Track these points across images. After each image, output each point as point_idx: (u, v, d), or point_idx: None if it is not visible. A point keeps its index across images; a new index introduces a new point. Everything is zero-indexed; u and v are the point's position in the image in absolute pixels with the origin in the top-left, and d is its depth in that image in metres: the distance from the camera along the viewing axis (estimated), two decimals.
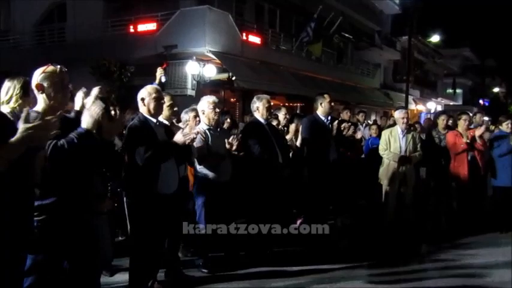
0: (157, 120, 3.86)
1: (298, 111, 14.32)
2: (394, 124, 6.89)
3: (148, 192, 3.67)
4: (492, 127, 9.31)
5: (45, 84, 2.60)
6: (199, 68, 13.61)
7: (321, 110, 5.64)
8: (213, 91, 12.39)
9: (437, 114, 9.01)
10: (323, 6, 17.84)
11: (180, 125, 4.78)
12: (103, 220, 3.82)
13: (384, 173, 6.33)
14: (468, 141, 6.43)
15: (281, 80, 16.13)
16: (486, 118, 9.98)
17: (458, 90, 39.98)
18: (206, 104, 4.65)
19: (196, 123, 4.78)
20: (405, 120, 6.33)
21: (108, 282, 4.11)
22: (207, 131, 4.60)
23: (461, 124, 6.70)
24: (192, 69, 13.54)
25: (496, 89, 49.63)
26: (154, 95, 3.78)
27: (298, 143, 5.78)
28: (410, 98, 23.43)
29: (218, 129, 4.79)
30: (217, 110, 4.74)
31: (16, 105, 2.78)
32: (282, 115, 6.30)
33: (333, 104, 5.76)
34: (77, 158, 2.58)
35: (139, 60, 13.00)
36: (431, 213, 7.02)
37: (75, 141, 2.52)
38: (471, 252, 5.41)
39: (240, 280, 4.40)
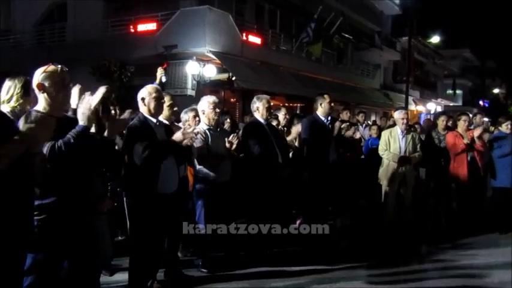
0: (158, 120, 3.86)
1: (298, 112, 14.33)
2: (394, 125, 6.89)
3: (149, 192, 3.67)
4: (492, 128, 9.32)
5: (46, 84, 2.61)
6: (200, 68, 13.62)
7: (321, 110, 5.64)
8: (213, 91, 12.38)
9: (437, 115, 9.04)
10: (323, 7, 17.86)
11: (180, 125, 4.78)
12: (103, 220, 3.83)
13: (384, 174, 6.33)
14: (468, 142, 6.43)
15: (281, 80, 16.14)
16: (486, 119, 9.97)
17: (458, 91, 40.00)
18: (206, 104, 4.65)
19: (195, 123, 4.78)
20: (405, 120, 6.33)
21: (107, 281, 4.11)
22: (207, 131, 4.60)
23: (461, 125, 6.71)
24: (192, 69, 13.55)
25: (496, 90, 49.66)
26: (154, 94, 3.78)
27: (298, 144, 5.79)
28: (410, 99, 23.45)
29: (218, 129, 4.79)
30: (218, 110, 4.75)
31: (17, 104, 2.79)
32: (281, 115, 6.30)
33: (332, 104, 5.76)
34: (75, 157, 2.59)
35: (140, 60, 13.01)
36: (431, 214, 7.02)
37: (71, 142, 2.52)
38: (471, 252, 5.42)
39: (240, 280, 4.40)
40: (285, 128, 6.31)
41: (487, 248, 5.61)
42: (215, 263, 4.67)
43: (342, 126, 5.99)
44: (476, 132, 6.39)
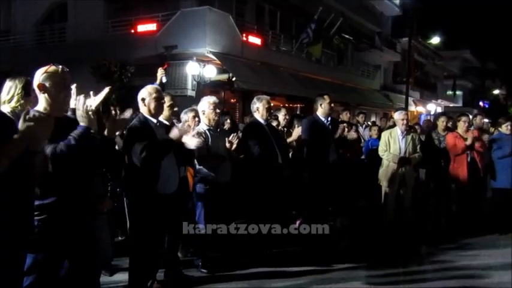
0: (158, 121, 3.87)
1: (298, 112, 14.33)
2: (394, 125, 6.90)
3: (149, 192, 3.67)
4: (492, 129, 9.32)
5: (47, 84, 2.61)
6: (200, 68, 13.63)
7: (321, 111, 5.64)
8: (213, 92, 12.39)
9: (437, 116, 9.04)
10: (323, 8, 17.89)
11: (180, 125, 4.78)
12: (103, 220, 3.84)
13: (384, 174, 6.34)
14: (469, 143, 6.43)
15: (281, 81, 16.15)
16: (486, 120, 9.98)
17: (458, 92, 40.01)
18: (206, 105, 4.66)
19: (195, 124, 4.79)
20: (405, 121, 6.34)
21: (107, 281, 4.11)
22: (207, 132, 4.61)
23: (461, 126, 6.72)
24: (192, 69, 13.55)
25: (496, 91, 49.65)
26: (154, 95, 3.79)
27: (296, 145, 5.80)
28: (410, 100, 23.45)
29: (218, 130, 4.79)
30: (218, 110, 4.75)
31: (17, 105, 2.79)
32: (281, 116, 6.31)
33: (332, 105, 5.76)
34: (77, 159, 2.59)
35: (140, 61, 13.01)
36: (430, 215, 7.02)
37: (74, 143, 2.53)
38: (471, 253, 5.42)
39: (240, 280, 4.40)
40: (285, 129, 6.32)
41: (486, 248, 5.62)
42: (215, 263, 4.67)
43: (342, 126, 6.00)
44: (469, 141, 6.38)
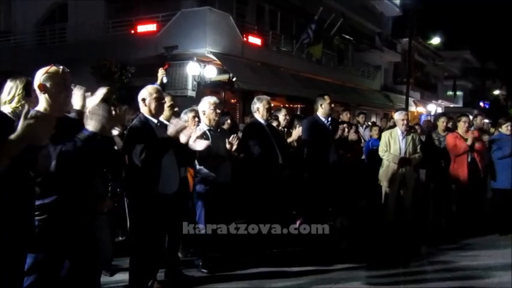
0: (159, 121, 3.88)
1: (298, 113, 14.34)
2: (394, 126, 6.90)
3: (149, 192, 3.68)
4: (492, 130, 9.32)
5: (47, 85, 2.61)
6: (200, 69, 13.64)
7: (321, 111, 5.65)
8: (214, 92, 12.41)
9: (437, 116, 9.03)
10: (324, 8, 17.90)
11: (175, 121, 4.78)
12: (103, 220, 3.84)
13: (384, 175, 6.34)
14: (470, 143, 6.43)
15: (281, 81, 16.16)
16: (486, 120, 9.97)
17: (459, 93, 40.00)
18: (207, 105, 4.67)
19: (195, 124, 4.79)
20: (405, 122, 6.34)
21: (108, 281, 4.12)
22: (207, 132, 4.61)
23: (461, 126, 6.71)
24: (192, 70, 13.56)
25: (496, 92, 49.65)
26: (155, 95, 3.79)
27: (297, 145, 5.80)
28: (410, 100, 23.45)
29: (218, 130, 4.80)
30: (218, 110, 4.76)
31: (18, 105, 2.79)
32: (282, 116, 6.31)
33: (333, 105, 5.77)
34: (81, 160, 2.61)
35: (140, 61, 13.02)
36: (430, 215, 7.02)
37: (80, 145, 2.54)
38: (471, 254, 5.42)
39: (240, 280, 4.41)
40: (286, 129, 6.32)
41: (487, 249, 5.62)
42: (215, 263, 4.67)
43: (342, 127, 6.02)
44: (469, 141, 6.39)
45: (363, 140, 8.18)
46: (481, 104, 43.56)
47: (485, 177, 6.75)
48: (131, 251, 3.86)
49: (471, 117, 7.70)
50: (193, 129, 4.04)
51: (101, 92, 3.54)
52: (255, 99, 5.17)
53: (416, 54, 29.28)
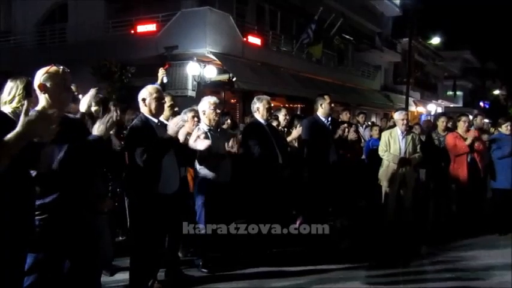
0: (159, 121, 3.88)
1: (298, 113, 14.33)
2: (394, 126, 6.90)
3: (150, 192, 3.68)
4: (492, 129, 9.32)
5: (48, 85, 2.62)
6: (200, 69, 13.64)
7: (321, 111, 5.65)
8: (214, 92, 12.41)
9: (437, 116, 9.03)
10: (324, 8, 17.90)
11: (174, 120, 4.78)
12: (103, 220, 3.85)
13: (384, 174, 6.34)
14: (470, 143, 6.43)
15: (281, 81, 16.16)
16: (486, 120, 9.97)
17: (459, 93, 40.01)
18: (207, 105, 4.67)
19: (194, 124, 4.79)
20: (405, 121, 6.34)
21: (108, 281, 4.12)
22: (207, 132, 4.61)
23: (461, 126, 6.72)
24: (192, 70, 13.56)
25: (496, 92, 49.65)
26: (155, 95, 3.79)
27: (297, 145, 5.80)
28: (410, 100, 23.45)
29: (218, 130, 4.80)
30: (218, 110, 4.76)
31: (19, 105, 2.79)
32: (282, 116, 6.31)
33: (333, 105, 5.77)
34: (83, 162, 2.65)
35: (140, 61, 13.02)
36: (430, 215, 7.02)
37: (85, 149, 2.65)
38: (470, 254, 5.42)
39: (240, 280, 4.41)
40: (286, 129, 6.32)
41: (486, 249, 5.62)
42: (215, 263, 4.68)
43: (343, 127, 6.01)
44: (469, 140, 6.39)
45: (362, 140, 8.18)
46: (481, 104, 43.57)
47: (485, 177, 6.76)
48: (131, 250, 3.87)
49: (471, 117, 7.71)
50: (192, 128, 4.05)
51: (91, 93, 3.56)
52: (255, 99, 5.17)
53: (416, 54, 29.28)
